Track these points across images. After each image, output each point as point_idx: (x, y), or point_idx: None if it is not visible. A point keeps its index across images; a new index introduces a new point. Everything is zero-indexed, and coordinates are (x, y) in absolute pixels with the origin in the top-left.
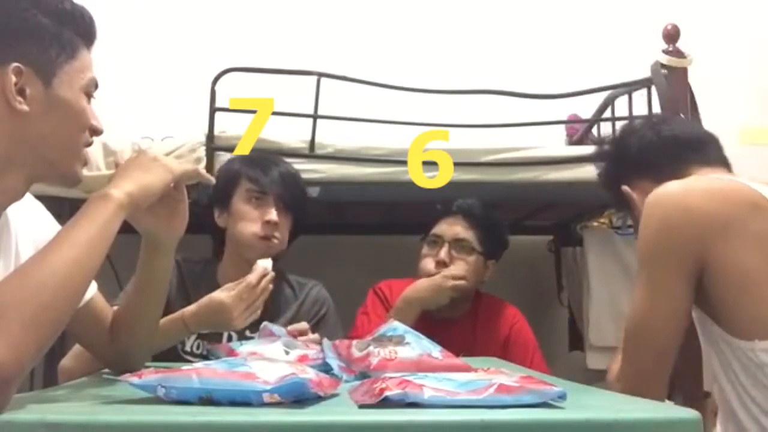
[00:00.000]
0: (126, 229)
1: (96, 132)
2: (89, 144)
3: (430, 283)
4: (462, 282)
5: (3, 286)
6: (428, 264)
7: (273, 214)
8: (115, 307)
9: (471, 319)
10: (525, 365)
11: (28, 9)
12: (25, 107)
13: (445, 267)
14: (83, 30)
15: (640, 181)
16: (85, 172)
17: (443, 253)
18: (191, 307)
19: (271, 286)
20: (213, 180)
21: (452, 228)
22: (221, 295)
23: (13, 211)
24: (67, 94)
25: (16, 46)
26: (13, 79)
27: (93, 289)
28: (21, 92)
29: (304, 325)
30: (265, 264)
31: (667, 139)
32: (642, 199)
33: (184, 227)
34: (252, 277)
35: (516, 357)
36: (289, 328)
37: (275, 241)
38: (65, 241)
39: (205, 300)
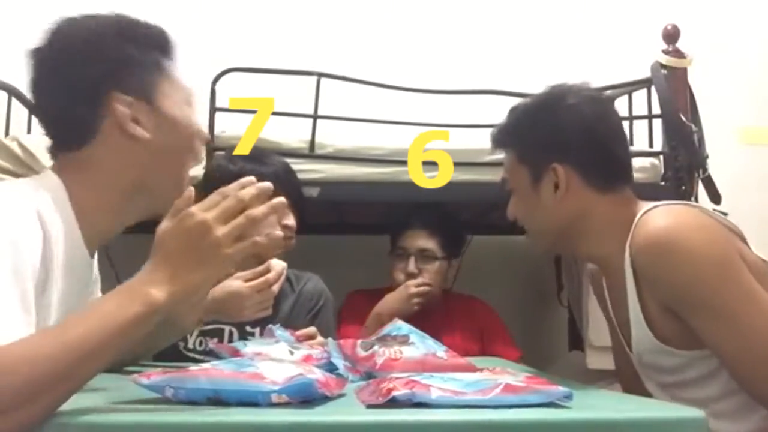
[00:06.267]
0: (126, 228)
1: (205, 140)
2: (199, 152)
3: (397, 295)
4: (427, 288)
5: (29, 341)
6: (399, 277)
7: (292, 220)
8: None
9: (447, 316)
10: (502, 348)
11: (113, 40)
12: (145, 133)
13: (414, 278)
14: (165, 47)
15: (569, 170)
16: None
17: (411, 266)
18: None
19: (277, 287)
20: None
21: (415, 240)
22: (236, 284)
23: None
24: (173, 110)
25: (114, 81)
26: (125, 111)
27: None
28: (135, 121)
29: (312, 330)
30: (282, 265)
31: (626, 150)
32: (570, 195)
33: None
34: (272, 275)
35: (494, 343)
36: (298, 333)
37: (292, 241)
38: (86, 325)
39: (218, 290)
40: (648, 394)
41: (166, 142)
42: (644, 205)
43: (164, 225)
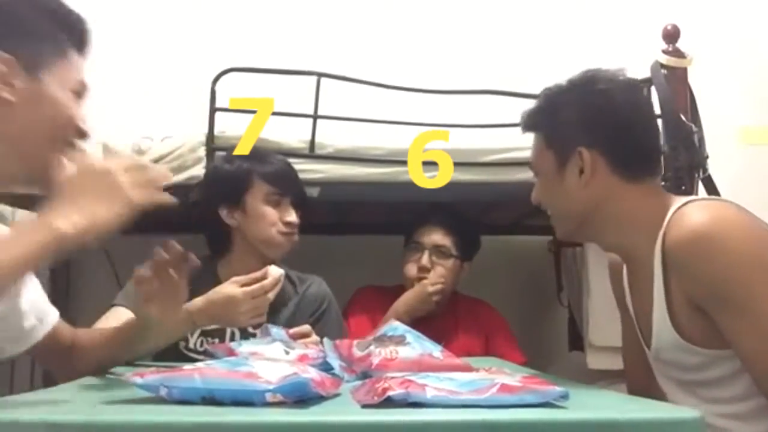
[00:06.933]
0: (126, 229)
1: (82, 134)
2: (71, 144)
3: (414, 293)
4: (440, 286)
5: None
6: (411, 269)
7: (293, 216)
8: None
9: (452, 317)
10: (507, 352)
11: (24, 5)
12: (10, 97)
13: (427, 272)
14: (77, 35)
15: (596, 155)
16: None
17: (425, 260)
18: (198, 301)
19: (273, 295)
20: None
21: (431, 235)
22: (232, 289)
23: None
24: (54, 90)
25: (8, 38)
26: (2, 68)
27: (55, 318)
28: (8, 83)
29: (306, 328)
30: (280, 272)
31: (656, 139)
32: (595, 181)
33: (180, 313)
34: (268, 282)
35: (499, 347)
36: (291, 331)
37: (295, 237)
38: None
39: (214, 293)
40: (657, 390)
41: (31, 116)
42: (677, 199)
43: (68, 173)
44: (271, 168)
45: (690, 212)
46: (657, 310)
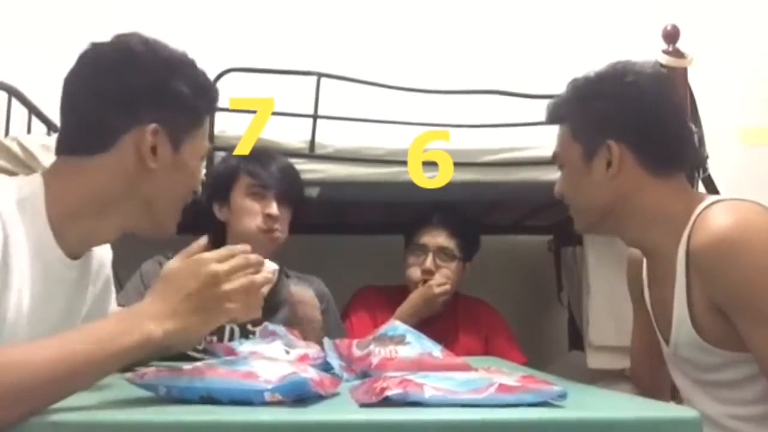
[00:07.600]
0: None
1: (195, 193)
2: (187, 203)
3: (420, 294)
4: (447, 287)
5: (25, 347)
6: (415, 272)
7: (274, 208)
8: None
9: (452, 318)
10: (507, 353)
11: (172, 77)
12: (153, 165)
13: (431, 275)
14: (210, 102)
15: (624, 148)
16: None
17: (429, 262)
18: None
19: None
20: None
21: (435, 238)
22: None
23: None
24: (190, 159)
25: (156, 108)
26: (150, 139)
27: None
28: (153, 151)
29: (308, 293)
30: (274, 267)
31: (685, 132)
32: (622, 174)
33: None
34: (259, 277)
35: (499, 347)
36: (293, 289)
37: (277, 234)
38: (83, 343)
39: None
40: (661, 388)
41: (166, 182)
42: (703, 198)
43: (175, 264)
44: (255, 162)
45: (715, 215)
46: (677, 308)
